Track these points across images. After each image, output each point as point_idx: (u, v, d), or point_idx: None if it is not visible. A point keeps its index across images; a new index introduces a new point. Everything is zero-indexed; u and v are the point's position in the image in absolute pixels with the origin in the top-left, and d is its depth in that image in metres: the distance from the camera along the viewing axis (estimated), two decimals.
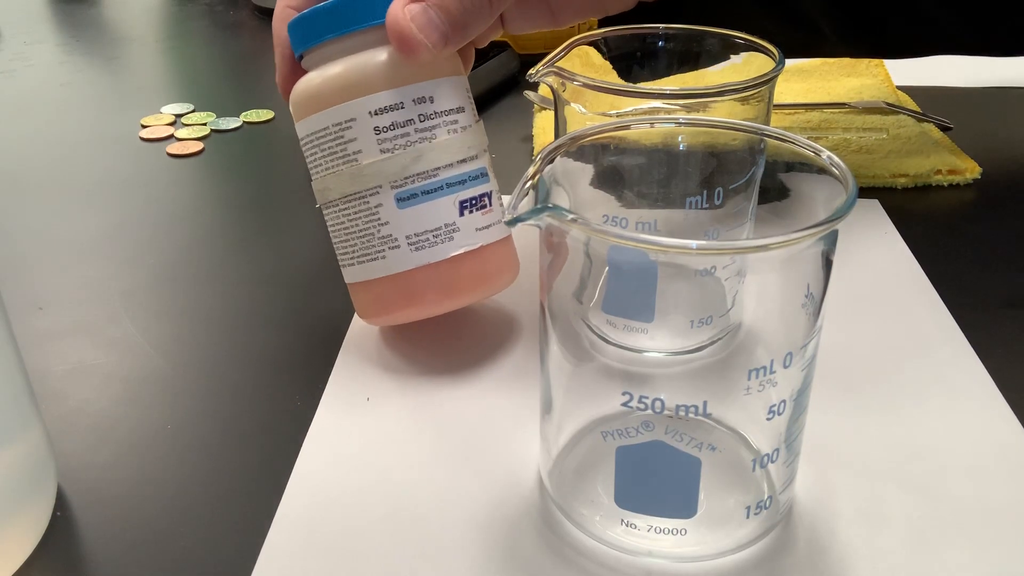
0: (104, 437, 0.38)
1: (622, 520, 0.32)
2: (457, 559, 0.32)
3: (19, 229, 0.56)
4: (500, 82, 0.75)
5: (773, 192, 0.34)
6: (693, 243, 0.26)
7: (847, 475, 0.35)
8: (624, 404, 0.29)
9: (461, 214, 0.40)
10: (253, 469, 0.36)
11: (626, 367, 0.37)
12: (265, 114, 0.72)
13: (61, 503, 0.35)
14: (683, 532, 0.31)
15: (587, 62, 0.73)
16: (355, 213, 0.40)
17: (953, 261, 0.50)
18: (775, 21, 0.55)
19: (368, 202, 0.39)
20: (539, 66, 0.41)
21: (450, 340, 0.44)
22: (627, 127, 0.35)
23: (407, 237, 0.39)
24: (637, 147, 0.37)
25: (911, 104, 0.68)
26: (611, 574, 0.31)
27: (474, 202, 0.40)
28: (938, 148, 0.60)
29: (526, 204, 0.28)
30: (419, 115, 0.39)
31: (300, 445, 0.37)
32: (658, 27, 0.46)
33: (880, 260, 0.50)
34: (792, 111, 0.66)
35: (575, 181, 0.34)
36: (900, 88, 0.71)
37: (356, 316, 0.45)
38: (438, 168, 0.39)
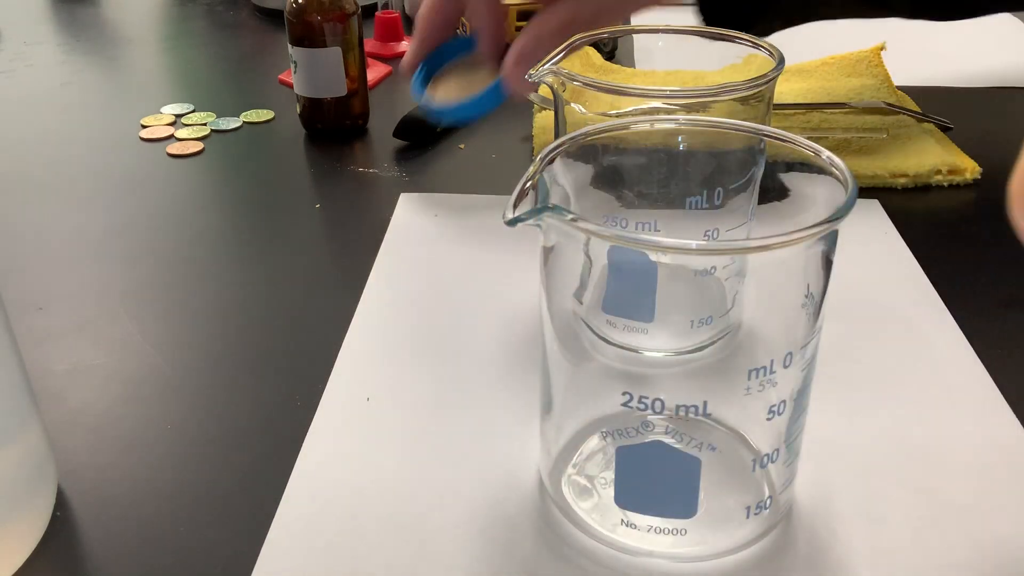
0: (104, 437, 0.38)
1: (622, 520, 0.32)
2: (457, 559, 0.32)
3: (19, 229, 0.56)
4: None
5: (773, 192, 0.34)
6: (693, 243, 0.26)
7: (847, 475, 0.35)
8: (624, 404, 0.29)
9: None
10: (253, 469, 0.36)
11: (626, 367, 0.37)
12: (265, 114, 0.72)
13: (61, 503, 0.35)
14: (683, 532, 0.31)
15: (587, 62, 0.73)
16: None
17: (953, 261, 0.50)
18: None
19: None
20: (539, 66, 0.41)
21: (450, 340, 0.44)
22: (627, 127, 0.35)
23: None
24: (637, 147, 0.37)
25: (911, 104, 0.68)
26: (611, 574, 0.31)
27: None
28: (938, 148, 0.60)
29: (526, 204, 0.28)
30: None
31: (300, 445, 0.37)
32: (658, 26, 0.46)
33: (880, 260, 0.50)
34: (792, 111, 0.66)
35: (575, 181, 0.34)
36: (900, 88, 0.71)
37: (356, 316, 0.45)
38: None
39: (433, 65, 0.51)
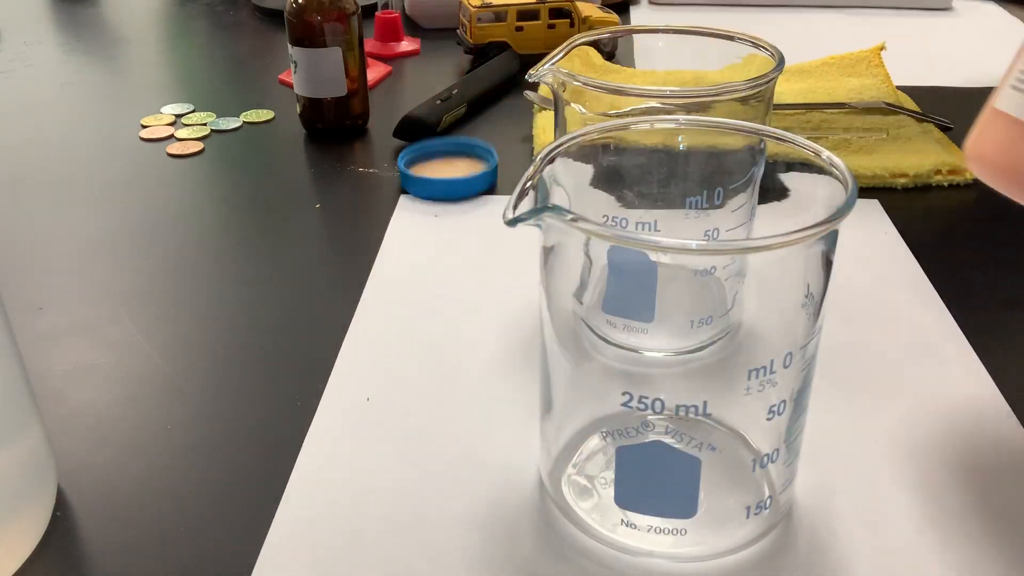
0: (104, 437, 0.38)
1: (622, 520, 0.32)
2: (457, 559, 0.32)
3: (19, 229, 0.56)
4: (500, 82, 0.75)
5: (773, 192, 0.34)
6: (693, 243, 0.26)
7: (847, 475, 0.35)
8: (624, 404, 0.29)
9: None
10: (253, 469, 0.36)
11: (626, 367, 0.37)
12: (265, 114, 0.72)
13: (61, 503, 0.35)
14: (683, 532, 0.31)
15: (587, 62, 0.73)
16: None
17: (953, 261, 0.50)
18: None
19: None
20: (539, 66, 0.41)
21: (450, 340, 0.44)
22: (627, 127, 0.35)
23: None
24: (637, 147, 0.37)
25: (911, 104, 0.68)
26: (611, 574, 0.31)
27: None
28: (938, 148, 0.60)
29: (526, 204, 0.28)
30: None
31: (300, 445, 0.37)
32: (658, 27, 0.46)
33: (880, 260, 0.50)
34: (792, 111, 0.66)
35: (575, 181, 0.34)
36: (900, 88, 0.71)
37: (356, 316, 0.45)
38: None
39: (413, 157, 0.60)
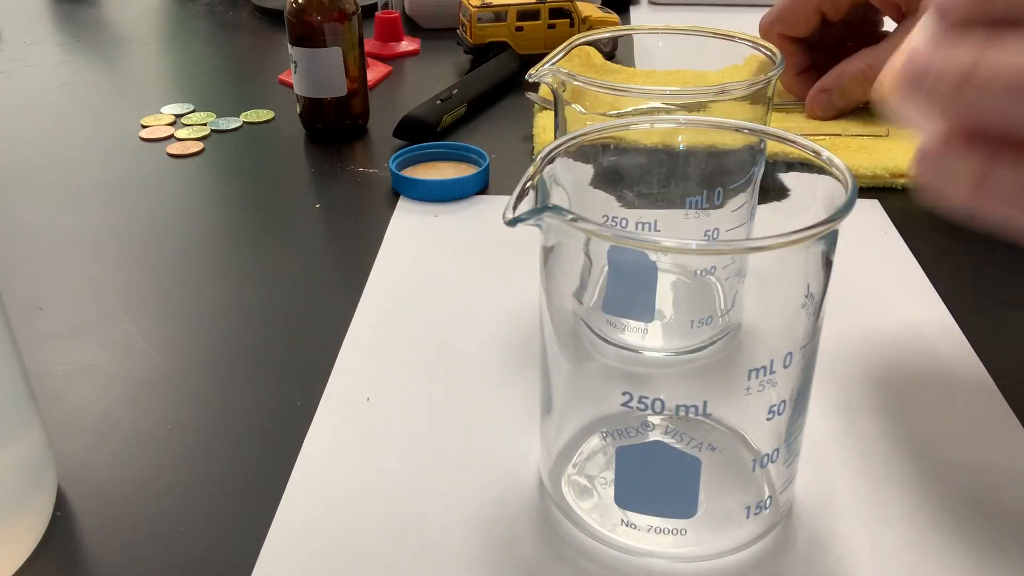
0: (104, 437, 0.38)
1: (622, 520, 0.32)
2: (457, 559, 0.32)
3: (19, 229, 0.56)
4: (500, 82, 0.75)
5: (773, 192, 0.34)
6: (693, 243, 0.26)
7: (847, 475, 0.35)
8: (624, 404, 0.29)
9: None
10: (253, 469, 0.36)
11: (626, 367, 0.37)
12: (265, 114, 0.72)
13: (61, 503, 0.35)
14: (683, 532, 0.31)
15: (587, 62, 0.73)
16: None
17: (953, 261, 0.50)
18: None
19: None
20: (539, 66, 0.41)
21: (450, 340, 0.44)
22: (627, 127, 0.35)
23: None
24: (637, 147, 0.37)
25: None
26: (611, 574, 0.31)
27: None
28: None
29: (526, 204, 0.28)
30: None
31: (300, 445, 0.37)
32: (658, 27, 0.46)
33: (880, 260, 0.50)
34: (792, 111, 0.66)
35: (575, 181, 0.34)
36: None
37: (356, 316, 0.45)
38: None
39: (403, 162, 0.61)
